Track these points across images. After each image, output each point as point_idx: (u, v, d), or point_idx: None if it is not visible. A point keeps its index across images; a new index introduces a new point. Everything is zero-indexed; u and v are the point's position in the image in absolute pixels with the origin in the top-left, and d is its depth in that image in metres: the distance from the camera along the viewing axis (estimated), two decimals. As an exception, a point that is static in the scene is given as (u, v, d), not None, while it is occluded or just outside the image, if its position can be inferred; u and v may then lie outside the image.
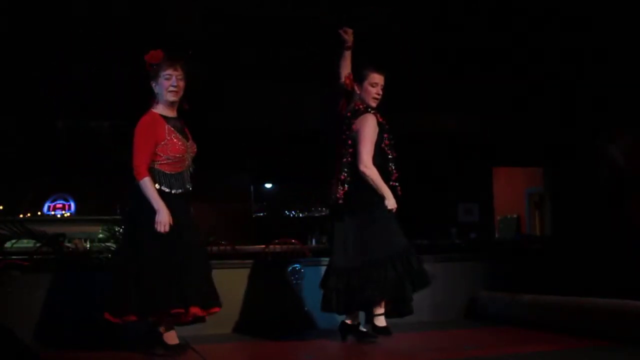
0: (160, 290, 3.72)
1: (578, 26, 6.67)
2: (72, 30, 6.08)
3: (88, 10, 5.97)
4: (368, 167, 4.20)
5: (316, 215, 11.68)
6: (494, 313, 5.22)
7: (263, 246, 6.80)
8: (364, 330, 4.41)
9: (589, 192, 7.34)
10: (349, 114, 4.36)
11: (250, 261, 5.28)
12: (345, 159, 4.28)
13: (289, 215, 11.72)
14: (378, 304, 4.23)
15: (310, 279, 5.12)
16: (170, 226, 3.79)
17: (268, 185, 11.74)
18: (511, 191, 11.34)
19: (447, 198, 9.88)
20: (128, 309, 3.76)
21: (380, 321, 4.23)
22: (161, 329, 3.88)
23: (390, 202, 4.21)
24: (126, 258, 3.87)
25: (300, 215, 11.72)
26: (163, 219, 3.77)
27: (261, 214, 11.43)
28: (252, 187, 10.99)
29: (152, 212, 3.79)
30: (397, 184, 4.30)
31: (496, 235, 10.58)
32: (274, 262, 5.36)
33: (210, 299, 3.91)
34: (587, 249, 5.94)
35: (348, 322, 4.39)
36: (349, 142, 4.29)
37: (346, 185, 4.25)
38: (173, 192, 3.89)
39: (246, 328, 4.87)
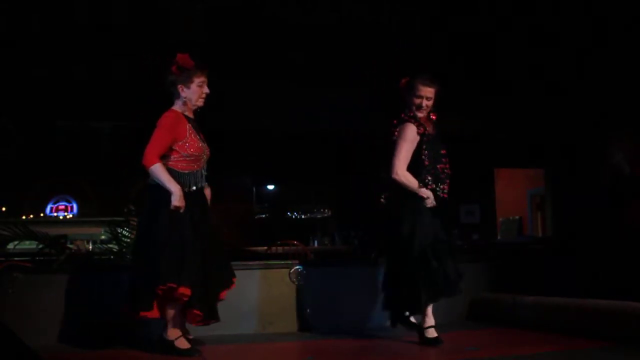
0: (164, 265, 3.79)
1: (578, 26, 6.66)
2: (72, 31, 6.08)
3: (88, 11, 5.97)
4: (398, 174, 4.26)
5: (318, 216, 11.69)
6: (495, 314, 5.22)
7: (265, 247, 6.80)
8: (415, 321, 4.44)
9: (591, 194, 7.33)
10: (395, 122, 4.42)
11: (252, 262, 5.28)
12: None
13: (291, 216, 11.73)
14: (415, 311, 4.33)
15: (311, 281, 5.12)
16: (184, 215, 3.86)
17: (270, 187, 11.75)
18: (513, 192, 11.30)
19: (449, 199, 9.84)
20: (145, 304, 3.86)
21: (431, 332, 4.26)
22: (169, 335, 3.93)
23: (428, 201, 4.28)
24: (144, 257, 3.93)
25: (302, 216, 11.73)
26: (178, 193, 3.84)
27: (263, 215, 11.44)
28: (254, 189, 11.00)
29: (166, 203, 3.84)
30: (438, 191, 4.36)
31: (498, 237, 10.56)
32: (276, 263, 5.35)
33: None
34: (589, 251, 5.93)
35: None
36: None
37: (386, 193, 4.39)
38: (187, 190, 3.95)
39: (247, 329, 4.87)
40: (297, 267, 5.16)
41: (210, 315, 3.97)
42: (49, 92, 6.48)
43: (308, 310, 5.04)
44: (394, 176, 4.26)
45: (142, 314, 3.88)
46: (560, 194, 9.03)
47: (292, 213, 11.74)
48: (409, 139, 4.29)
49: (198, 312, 3.89)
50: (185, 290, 3.79)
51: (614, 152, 7.17)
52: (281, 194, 11.70)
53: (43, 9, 5.90)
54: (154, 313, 3.92)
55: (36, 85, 6.36)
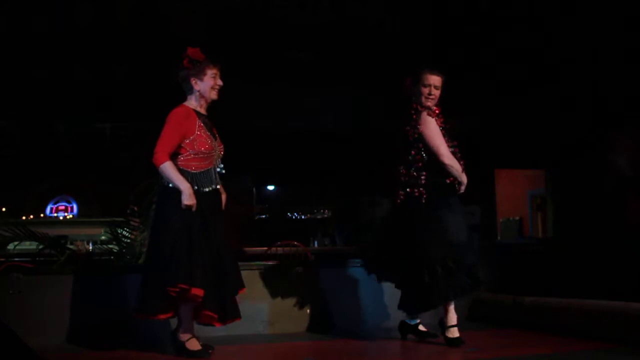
0: (175, 266, 3.76)
1: (578, 26, 6.66)
2: (72, 31, 6.08)
3: (89, 12, 5.97)
4: (450, 158, 4.28)
5: (318, 217, 11.71)
6: (496, 315, 5.21)
7: (265, 248, 6.80)
8: (425, 329, 4.45)
9: (591, 194, 7.33)
10: (412, 114, 4.36)
11: (253, 263, 5.28)
12: (409, 158, 4.31)
13: (292, 217, 11.75)
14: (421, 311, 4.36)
15: (312, 281, 5.12)
16: (195, 214, 3.83)
17: (270, 187, 11.76)
18: (513, 193, 11.30)
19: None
20: (159, 306, 3.86)
21: (452, 332, 4.24)
22: (181, 337, 3.92)
23: (462, 187, 4.38)
24: (156, 258, 3.92)
25: (303, 217, 11.75)
26: (187, 192, 3.80)
27: (263, 216, 11.45)
28: (254, 189, 11.00)
29: (176, 204, 3.82)
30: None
31: (498, 238, 10.55)
32: (276, 264, 5.35)
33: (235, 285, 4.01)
34: (589, 251, 5.92)
35: (408, 321, 4.46)
36: (410, 140, 4.32)
37: (407, 188, 4.30)
38: (201, 190, 3.91)
39: (248, 329, 4.86)
40: (298, 267, 5.16)
41: (226, 316, 3.95)
42: (49, 93, 6.49)
43: (308, 311, 5.05)
44: (447, 161, 4.24)
45: (158, 316, 3.89)
46: (560, 195, 9.03)
47: (292, 214, 11.76)
48: (435, 125, 4.28)
49: (211, 314, 3.87)
50: (198, 292, 3.75)
51: (615, 154, 7.18)
52: (281, 195, 11.73)
53: (43, 10, 5.90)
54: (169, 313, 3.93)
55: (36, 86, 6.36)
